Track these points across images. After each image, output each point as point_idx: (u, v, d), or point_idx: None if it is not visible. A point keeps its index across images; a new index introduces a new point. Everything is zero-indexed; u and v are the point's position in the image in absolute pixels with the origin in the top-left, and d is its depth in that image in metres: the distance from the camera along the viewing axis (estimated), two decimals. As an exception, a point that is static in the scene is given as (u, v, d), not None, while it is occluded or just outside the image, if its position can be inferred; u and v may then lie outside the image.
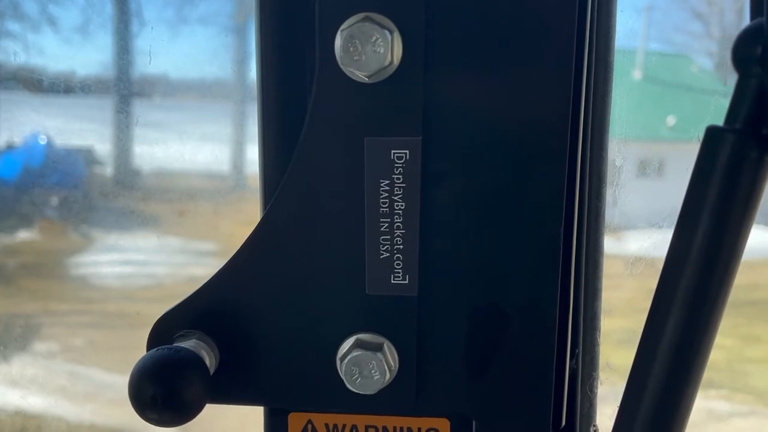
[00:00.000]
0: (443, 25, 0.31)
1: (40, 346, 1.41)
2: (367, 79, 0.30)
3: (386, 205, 0.32)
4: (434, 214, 0.32)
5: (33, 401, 1.28)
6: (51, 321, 1.47)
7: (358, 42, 0.30)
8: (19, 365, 1.32)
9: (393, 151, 0.32)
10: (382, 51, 0.30)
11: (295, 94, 0.33)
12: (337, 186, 0.32)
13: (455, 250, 0.33)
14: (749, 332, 1.63)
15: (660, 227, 0.71)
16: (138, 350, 0.33)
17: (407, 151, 0.31)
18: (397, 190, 0.32)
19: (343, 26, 0.30)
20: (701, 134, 0.27)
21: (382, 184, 0.32)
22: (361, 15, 0.30)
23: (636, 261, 0.75)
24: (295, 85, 0.33)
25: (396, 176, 0.32)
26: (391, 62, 0.30)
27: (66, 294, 1.53)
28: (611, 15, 0.36)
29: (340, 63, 0.30)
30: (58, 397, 1.32)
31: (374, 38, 0.29)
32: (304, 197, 0.33)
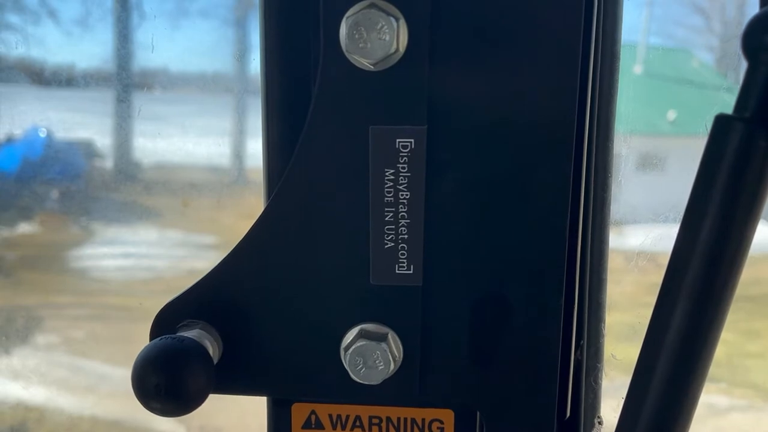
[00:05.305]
0: (449, 12, 0.31)
1: (40, 339, 1.41)
2: (372, 66, 0.30)
3: (391, 194, 0.32)
4: (439, 204, 0.32)
5: (34, 393, 1.28)
6: (51, 313, 1.46)
7: (363, 29, 0.29)
8: (20, 357, 1.32)
9: (398, 140, 0.31)
10: (387, 38, 0.29)
11: (299, 82, 0.33)
12: (341, 175, 0.32)
13: (460, 240, 0.33)
14: (749, 327, 1.63)
15: (661, 222, 0.71)
16: (138, 343, 0.33)
17: (412, 140, 0.31)
18: (402, 180, 0.32)
19: (348, 13, 0.30)
20: (704, 127, 0.27)
21: (387, 174, 0.32)
22: (367, 2, 0.30)
23: (637, 256, 0.75)
24: (299, 73, 0.33)
25: (401, 165, 0.32)
26: (397, 50, 0.30)
27: (66, 286, 1.53)
28: (618, 4, 0.35)
29: (345, 50, 0.30)
30: (59, 389, 1.32)
31: (380, 25, 0.29)
32: (309, 186, 0.33)
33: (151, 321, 0.35)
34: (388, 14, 0.29)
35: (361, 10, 0.29)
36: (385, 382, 0.33)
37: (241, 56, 1.25)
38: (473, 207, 0.32)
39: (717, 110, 0.27)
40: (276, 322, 0.34)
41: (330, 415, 0.37)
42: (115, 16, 1.19)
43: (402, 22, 0.30)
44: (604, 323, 0.38)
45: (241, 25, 1.30)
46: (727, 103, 0.27)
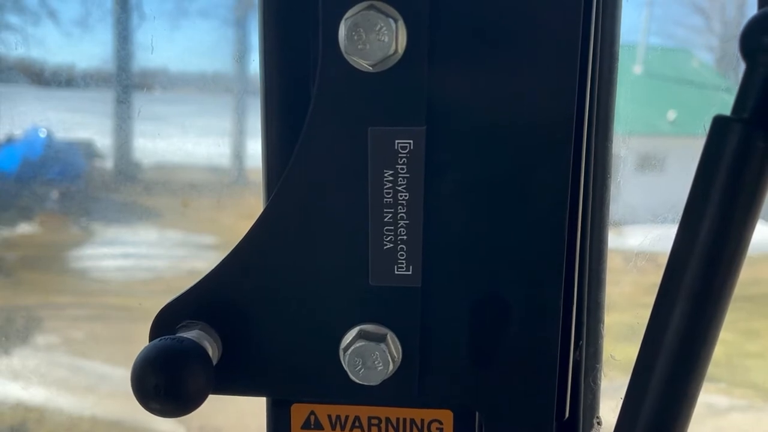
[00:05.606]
0: (448, 13, 0.31)
1: (40, 339, 1.41)
2: (371, 68, 0.30)
3: (390, 195, 0.32)
4: (438, 205, 0.32)
5: (34, 393, 1.28)
6: (51, 314, 1.47)
7: (362, 30, 0.29)
8: (20, 357, 1.32)
9: (397, 141, 0.31)
10: (386, 40, 0.29)
11: (298, 83, 0.33)
12: (340, 176, 0.32)
13: (459, 240, 0.33)
14: (748, 327, 1.63)
15: (660, 222, 0.71)
16: (138, 343, 0.33)
17: (411, 141, 0.31)
18: (401, 181, 0.32)
19: (347, 15, 0.30)
20: (704, 128, 0.27)
21: (386, 175, 0.32)
22: (366, 3, 0.30)
23: (636, 256, 0.75)
24: (298, 74, 0.33)
25: (400, 166, 0.32)
26: (396, 51, 0.30)
27: (66, 287, 1.53)
28: (617, 4, 0.35)
29: (344, 52, 0.30)
30: (59, 390, 1.32)
31: (379, 27, 0.29)
32: (308, 187, 0.33)
33: (151, 321, 0.35)
34: (387, 15, 0.29)
35: (360, 11, 0.29)
36: (384, 382, 0.33)
37: (241, 56, 1.25)
38: (472, 208, 0.32)
39: (717, 110, 0.27)
40: (275, 323, 0.34)
41: (329, 416, 0.37)
42: (115, 17, 1.20)
43: (401, 23, 0.30)
44: (603, 323, 0.38)
45: (241, 25, 1.30)
46: (726, 103, 0.27)
